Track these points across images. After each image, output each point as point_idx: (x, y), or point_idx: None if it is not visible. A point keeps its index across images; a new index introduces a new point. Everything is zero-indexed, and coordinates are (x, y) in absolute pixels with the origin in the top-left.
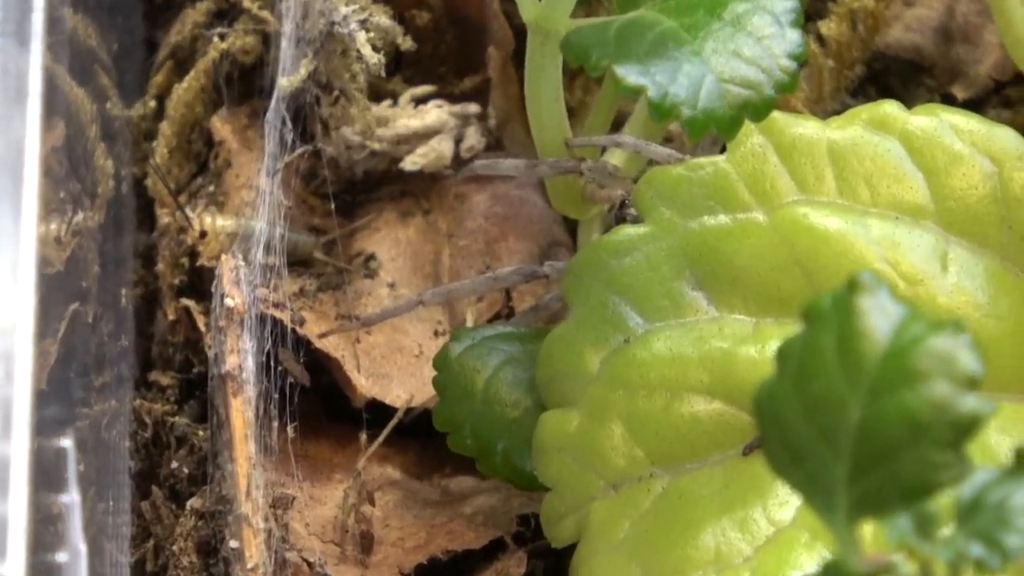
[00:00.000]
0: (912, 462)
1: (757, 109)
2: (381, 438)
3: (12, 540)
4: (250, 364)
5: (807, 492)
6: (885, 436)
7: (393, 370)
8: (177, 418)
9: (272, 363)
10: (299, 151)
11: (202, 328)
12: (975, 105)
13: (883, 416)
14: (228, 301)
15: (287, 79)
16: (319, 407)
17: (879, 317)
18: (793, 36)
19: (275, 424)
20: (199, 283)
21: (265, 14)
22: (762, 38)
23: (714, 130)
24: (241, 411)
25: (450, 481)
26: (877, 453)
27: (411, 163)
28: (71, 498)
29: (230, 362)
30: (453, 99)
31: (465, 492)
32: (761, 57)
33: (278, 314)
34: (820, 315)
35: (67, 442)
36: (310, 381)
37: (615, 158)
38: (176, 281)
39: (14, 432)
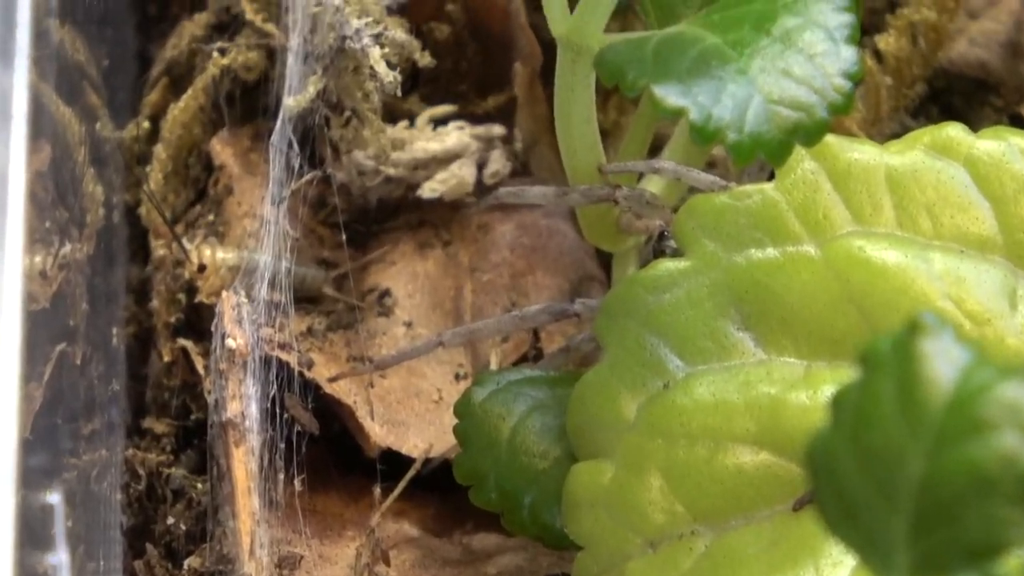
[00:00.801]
0: (978, 519)
1: (809, 133)
2: (397, 491)
3: None
4: (253, 411)
5: (863, 551)
6: (949, 491)
7: (410, 417)
8: (173, 469)
9: (278, 410)
10: (307, 177)
11: (201, 371)
12: None
13: (947, 470)
14: (229, 342)
15: (294, 98)
16: (329, 458)
17: (943, 362)
18: (848, 53)
19: (281, 476)
20: (197, 322)
21: (270, 27)
22: (814, 55)
23: (761, 156)
24: (244, 462)
25: (472, 538)
26: (940, 509)
27: (430, 190)
28: (59, 558)
29: (232, 409)
30: (475, 120)
31: (489, 550)
32: (813, 76)
33: (284, 356)
34: (878, 359)
35: (54, 496)
36: (319, 429)
37: (653, 185)
38: (172, 319)
39: None
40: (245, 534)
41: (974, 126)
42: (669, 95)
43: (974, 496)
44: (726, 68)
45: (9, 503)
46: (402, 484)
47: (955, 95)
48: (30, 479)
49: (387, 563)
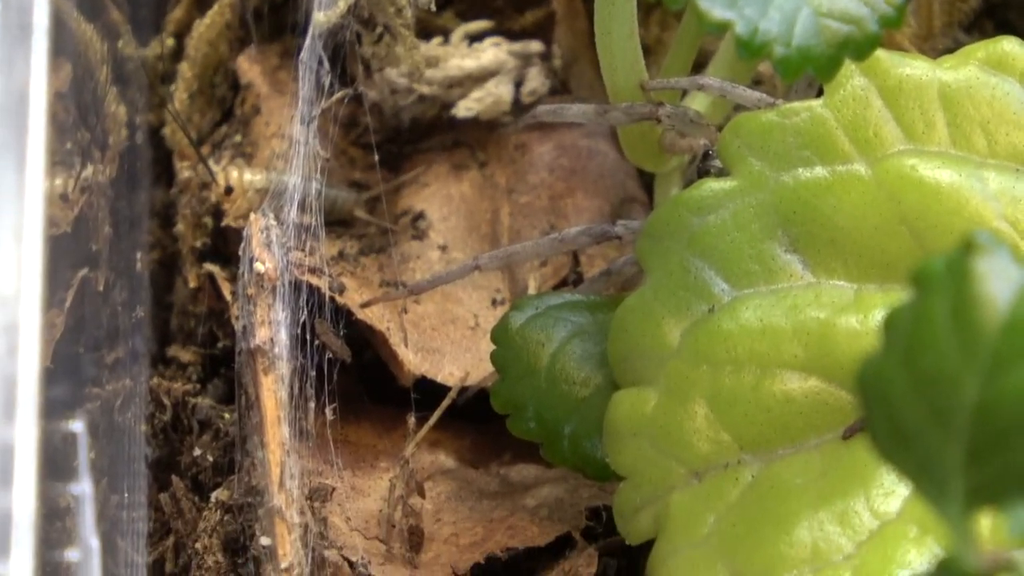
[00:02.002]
0: None
1: (859, 47)
2: (432, 421)
3: (17, 536)
4: (283, 337)
5: (917, 480)
6: (1006, 416)
7: (445, 344)
8: (200, 399)
9: (308, 336)
10: (338, 95)
11: (228, 297)
12: None
13: (1003, 394)
14: (258, 266)
15: (324, 13)
16: (361, 386)
17: (998, 282)
18: None
19: (311, 405)
20: (224, 246)
21: None
22: None
23: (810, 71)
24: (273, 391)
25: (510, 470)
26: (996, 436)
27: (465, 109)
28: (82, 489)
29: (260, 335)
30: (512, 36)
31: (527, 482)
32: None
33: (315, 281)
34: (931, 280)
35: (77, 426)
36: (351, 356)
37: (697, 103)
38: (198, 244)
39: (18, 415)
40: (275, 465)
41: None
42: (714, 8)
43: None
44: None
45: (32, 433)
46: (437, 413)
47: (1010, 9)
48: (52, 409)
49: (422, 495)
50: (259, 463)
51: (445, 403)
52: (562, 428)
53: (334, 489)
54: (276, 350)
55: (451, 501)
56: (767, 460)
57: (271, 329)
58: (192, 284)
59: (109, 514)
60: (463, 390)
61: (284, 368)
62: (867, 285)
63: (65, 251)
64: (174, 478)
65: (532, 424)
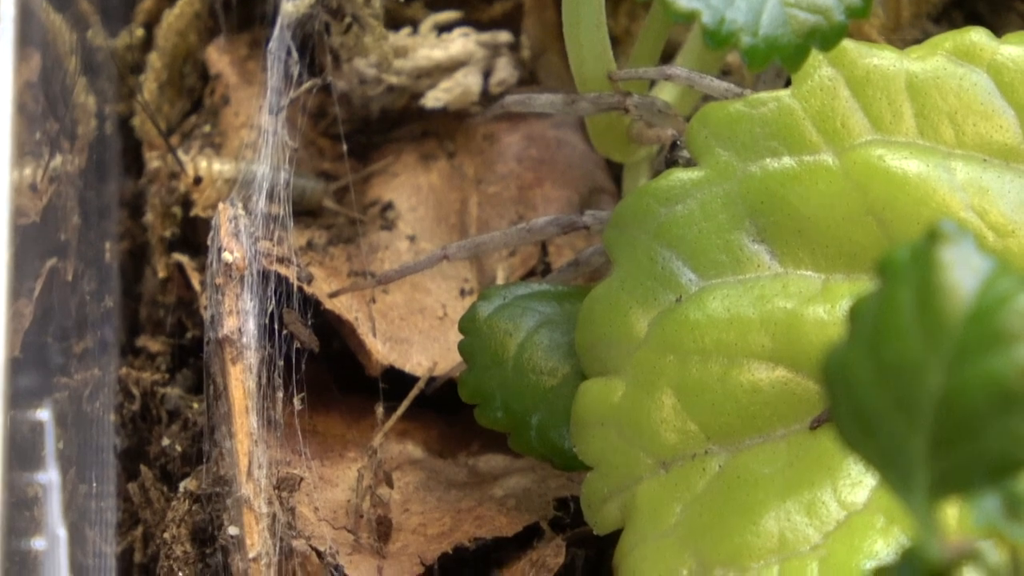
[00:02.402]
0: (1000, 435)
1: (826, 37)
2: (400, 411)
3: None
4: (251, 327)
5: (883, 469)
6: (970, 406)
7: (413, 334)
8: (168, 389)
9: (276, 326)
10: (306, 86)
11: (197, 287)
12: None
13: (968, 383)
14: (226, 255)
15: (292, 4)
16: (329, 376)
17: (963, 272)
18: None
19: (280, 395)
20: (193, 236)
21: None
22: None
23: (777, 61)
24: (241, 380)
25: (478, 460)
26: (961, 425)
27: (433, 99)
28: (49, 478)
29: (228, 325)
30: (481, 26)
31: (495, 472)
32: None
33: (283, 270)
34: (897, 270)
35: (44, 415)
36: (319, 346)
37: (665, 93)
38: (167, 233)
39: None
40: (243, 455)
41: (998, 32)
42: None
43: (995, 411)
44: None
45: None
46: (405, 403)
47: (979, 0)
48: (19, 398)
49: (390, 485)
50: (227, 453)
51: (413, 393)
52: (530, 418)
53: (302, 479)
54: (244, 340)
55: (419, 491)
56: (734, 450)
57: (239, 319)
58: (161, 274)
59: (77, 504)
60: (431, 380)
61: (252, 358)
62: (834, 275)
63: (34, 241)
64: (143, 468)
65: (500, 414)
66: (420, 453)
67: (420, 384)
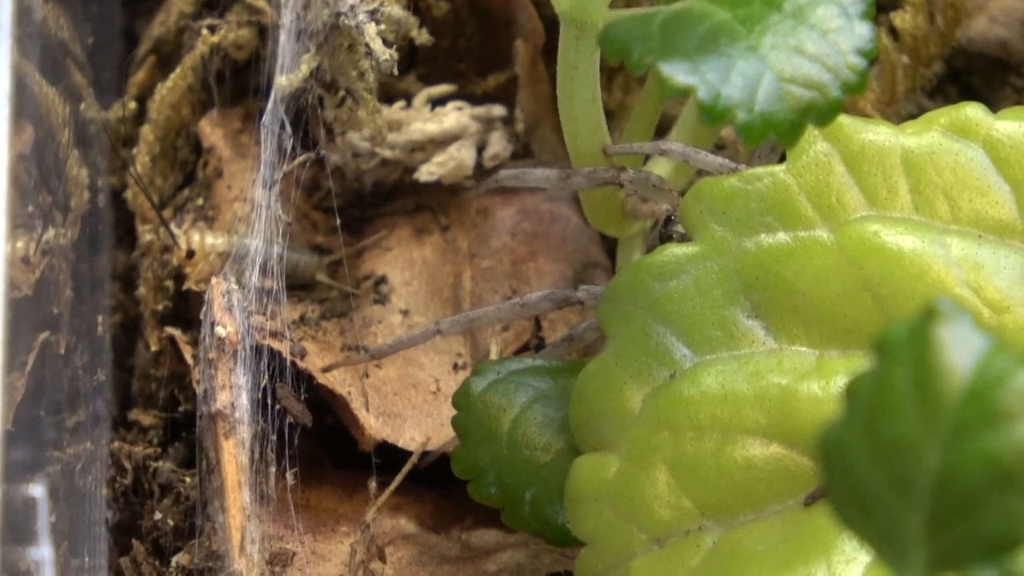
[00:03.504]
0: (996, 513)
1: (822, 113)
2: (393, 486)
3: None
4: (244, 402)
5: (878, 547)
6: (966, 484)
7: (407, 409)
8: (161, 463)
9: (269, 401)
10: (299, 159)
11: (189, 361)
12: None
13: (964, 462)
14: (219, 330)
15: (286, 77)
16: (322, 450)
17: (960, 350)
18: (862, 29)
19: (272, 470)
20: (186, 309)
21: (261, 3)
22: (827, 32)
23: (773, 136)
24: (234, 455)
25: (471, 535)
26: (957, 503)
27: (427, 173)
28: (42, 553)
29: (221, 399)
30: (475, 100)
31: (489, 547)
32: (826, 54)
33: (276, 345)
34: (893, 347)
35: (37, 490)
36: (312, 421)
37: (660, 168)
38: (160, 307)
39: None
40: (235, 529)
41: (994, 107)
42: (677, 73)
43: (992, 489)
44: (736, 45)
45: None
46: (399, 478)
47: (974, 75)
48: (12, 472)
49: (383, 560)
50: (220, 527)
51: (406, 468)
52: (523, 493)
53: (295, 554)
54: (237, 414)
55: (412, 566)
56: (728, 526)
57: (232, 393)
58: (153, 347)
59: None
60: (424, 455)
61: (245, 432)
62: (829, 351)
63: (26, 314)
64: (135, 542)
65: (493, 489)
66: (413, 528)
67: (413, 459)
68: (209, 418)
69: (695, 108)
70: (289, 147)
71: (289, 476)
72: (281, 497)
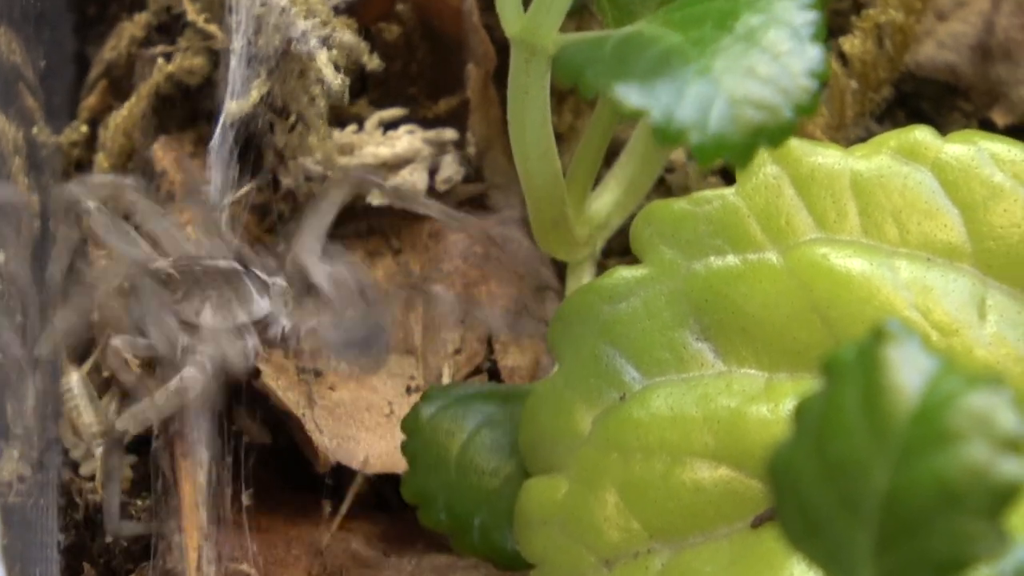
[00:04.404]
0: (945, 534)
1: (774, 134)
2: (343, 509)
3: None
4: (203, 421)
5: (827, 566)
6: (915, 504)
7: (360, 431)
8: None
9: (224, 422)
10: (249, 185)
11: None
12: (1017, 132)
13: (913, 482)
14: None
15: (236, 103)
16: (276, 472)
17: (909, 371)
18: (813, 52)
19: (228, 491)
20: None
21: (213, 28)
22: (779, 54)
23: (726, 157)
24: (191, 474)
25: (423, 558)
26: (906, 523)
27: (379, 196)
28: None
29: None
30: (426, 124)
31: (440, 570)
32: (778, 75)
33: None
34: (842, 369)
35: None
36: (269, 440)
37: (608, 192)
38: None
39: None
40: (192, 549)
41: (943, 131)
42: (629, 95)
43: (941, 509)
44: (688, 67)
45: None
46: (346, 503)
47: (923, 99)
48: None
49: None
50: (176, 547)
51: (352, 492)
52: (472, 519)
53: (248, 574)
54: (195, 434)
55: None
56: (677, 548)
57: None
58: (106, 373)
59: None
60: (378, 476)
61: (203, 453)
62: (778, 373)
63: None
64: (86, 565)
65: (442, 515)
66: (365, 551)
67: (358, 483)
68: (166, 437)
69: (646, 131)
70: (237, 172)
71: (244, 497)
72: (235, 519)
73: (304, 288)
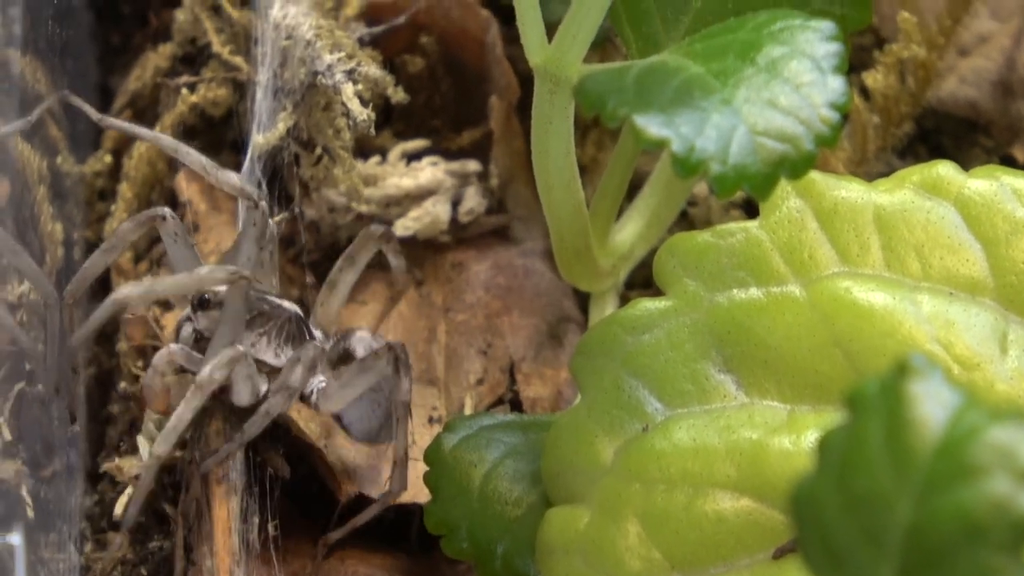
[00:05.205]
0: (968, 567)
1: (795, 165)
2: (347, 528)
3: None
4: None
5: None
6: (938, 538)
7: (381, 461)
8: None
9: (250, 452)
10: (278, 218)
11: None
12: None
13: (936, 516)
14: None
15: (263, 135)
16: (300, 501)
17: (932, 405)
18: (836, 84)
19: (256, 519)
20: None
21: (238, 60)
22: (800, 85)
23: (746, 188)
24: (225, 500)
25: None
26: (929, 557)
27: (403, 228)
28: None
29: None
30: (450, 155)
31: None
32: (799, 107)
33: None
34: (865, 402)
35: (15, 538)
36: (290, 473)
37: (632, 223)
38: (139, 363)
39: None
40: (224, 572)
41: (964, 167)
42: (651, 125)
43: (964, 544)
44: (710, 98)
45: None
46: (350, 525)
47: (944, 135)
48: None
49: None
50: (207, 571)
51: (363, 516)
52: (495, 548)
53: None
54: (231, 461)
55: None
56: None
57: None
58: (131, 401)
59: None
60: (400, 506)
61: (238, 480)
62: (800, 406)
63: (2, 365)
64: None
65: (465, 544)
66: None
67: (374, 509)
68: (200, 463)
69: (668, 163)
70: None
71: (270, 527)
72: (262, 548)
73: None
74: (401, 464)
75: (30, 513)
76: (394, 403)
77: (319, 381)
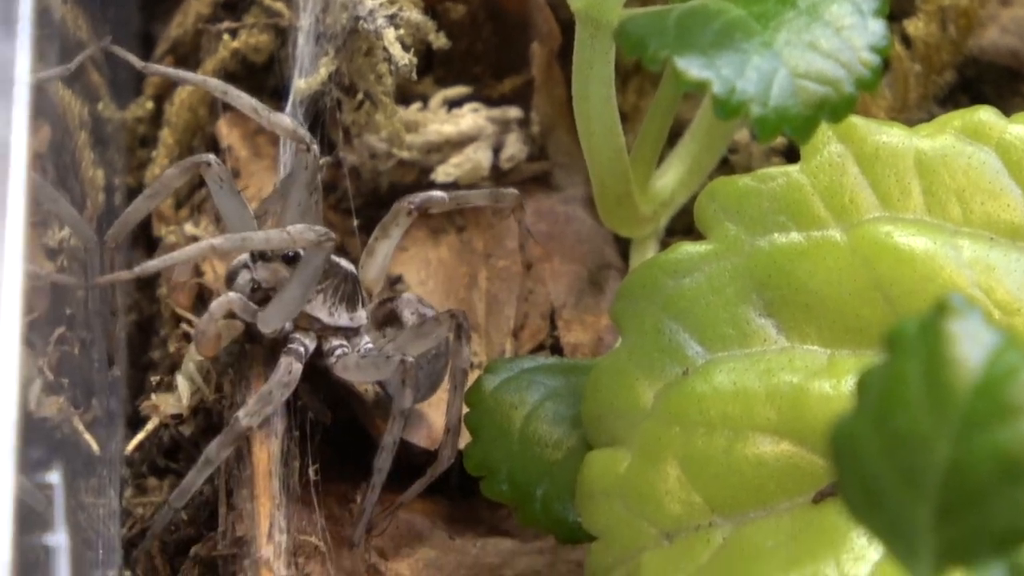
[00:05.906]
0: (1006, 506)
1: (835, 108)
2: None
3: None
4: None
5: (888, 539)
6: (976, 477)
7: (422, 407)
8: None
9: (291, 397)
10: (323, 160)
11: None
12: None
13: (974, 455)
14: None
15: (304, 81)
16: (341, 446)
17: (971, 345)
18: (876, 27)
19: (297, 464)
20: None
21: (280, 6)
22: (841, 28)
23: (787, 131)
24: (266, 444)
25: (487, 542)
26: (967, 496)
27: (444, 174)
28: (58, 540)
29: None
30: (491, 102)
31: (504, 555)
32: (840, 50)
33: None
34: (904, 342)
35: (54, 476)
36: (331, 419)
37: (673, 170)
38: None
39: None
40: (264, 517)
41: (1005, 115)
42: (691, 67)
43: (1001, 482)
44: (751, 41)
45: (8, 484)
46: (415, 488)
47: (985, 84)
48: (30, 459)
49: (397, 562)
50: (247, 515)
51: (427, 479)
52: (534, 490)
53: (316, 547)
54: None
55: (429, 568)
56: (738, 522)
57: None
58: (172, 347)
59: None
60: (429, 451)
61: (279, 423)
62: (840, 350)
63: (43, 309)
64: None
65: (505, 487)
66: (430, 532)
67: (434, 470)
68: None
69: (709, 109)
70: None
71: (311, 472)
72: (303, 492)
73: (387, 312)
74: (454, 432)
75: (72, 454)
76: (453, 369)
77: (366, 341)
